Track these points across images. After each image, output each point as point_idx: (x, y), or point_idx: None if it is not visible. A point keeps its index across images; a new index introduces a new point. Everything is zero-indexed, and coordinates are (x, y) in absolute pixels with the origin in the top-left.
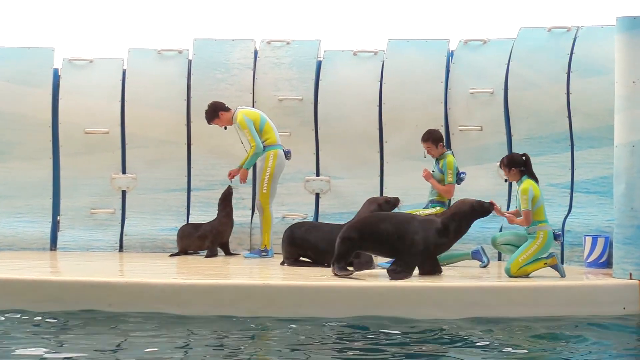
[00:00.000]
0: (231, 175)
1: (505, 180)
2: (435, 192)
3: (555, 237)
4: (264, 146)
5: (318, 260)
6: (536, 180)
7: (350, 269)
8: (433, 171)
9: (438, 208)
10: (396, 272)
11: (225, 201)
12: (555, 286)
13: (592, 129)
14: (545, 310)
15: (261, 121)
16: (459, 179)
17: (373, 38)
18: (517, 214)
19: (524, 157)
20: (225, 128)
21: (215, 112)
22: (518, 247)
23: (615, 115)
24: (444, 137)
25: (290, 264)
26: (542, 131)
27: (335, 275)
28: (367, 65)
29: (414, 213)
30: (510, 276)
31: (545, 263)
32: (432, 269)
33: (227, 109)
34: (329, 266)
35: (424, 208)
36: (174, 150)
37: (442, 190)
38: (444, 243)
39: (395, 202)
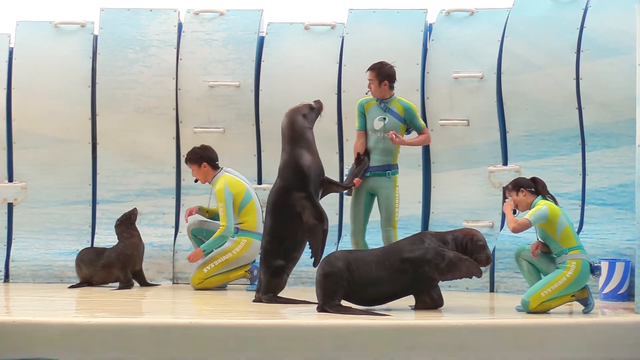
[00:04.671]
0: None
1: (515, 212)
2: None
3: (592, 270)
4: (237, 229)
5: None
6: (555, 201)
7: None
8: (384, 119)
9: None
10: (433, 300)
11: (129, 223)
12: (563, 324)
13: (608, 123)
14: (550, 355)
15: (245, 197)
16: (408, 131)
17: (330, 7)
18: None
19: (532, 181)
20: (196, 181)
21: (201, 160)
22: (540, 271)
23: (637, 106)
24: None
25: (269, 300)
26: (545, 126)
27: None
28: (322, 43)
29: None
30: (528, 311)
31: (573, 295)
32: (432, 301)
33: (215, 167)
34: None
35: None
36: (75, 152)
37: (420, 140)
38: (447, 254)
39: (320, 106)
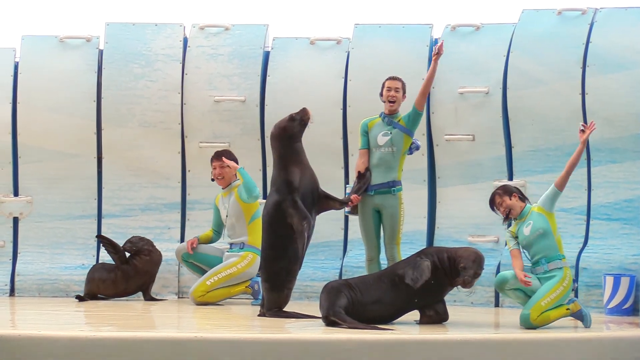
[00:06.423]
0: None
1: (506, 220)
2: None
3: None
4: (243, 244)
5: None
6: None
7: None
8: (389, 133)
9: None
10: (437, 314)
11: (147, 241)
12: (568, 339)
13: (613, 138)
14: None
15: (257, 211)
16: (410, 148)
17: (335, 22)
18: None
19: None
20: (213, 180)
21: (234, 158)
22: (526, 292)
23: None
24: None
25: (273, 315)
26: (551, 141)
27: (338, 324)
28: (327, 57)
29: None
30: (529, 325)
31: (568, 309)
32: (437, 315)
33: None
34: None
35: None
36: (81, 166)
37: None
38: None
39: (303, 115)
